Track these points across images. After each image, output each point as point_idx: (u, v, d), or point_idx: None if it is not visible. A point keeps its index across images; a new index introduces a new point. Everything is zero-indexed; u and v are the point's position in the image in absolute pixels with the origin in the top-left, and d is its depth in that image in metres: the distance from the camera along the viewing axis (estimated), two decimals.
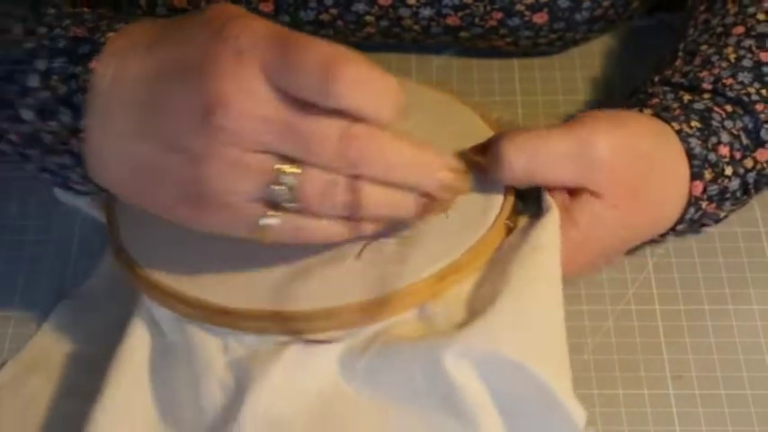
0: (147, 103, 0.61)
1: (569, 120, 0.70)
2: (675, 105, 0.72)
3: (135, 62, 0.62)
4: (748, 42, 0.75)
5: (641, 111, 0.71)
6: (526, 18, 0.83)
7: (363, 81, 0.59)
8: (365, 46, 0.88)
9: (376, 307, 0.65)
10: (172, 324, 0.68)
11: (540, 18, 0.84)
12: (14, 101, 0.64)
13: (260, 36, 0.59)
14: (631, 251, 0.76)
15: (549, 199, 0.68)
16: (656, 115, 0.71)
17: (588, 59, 0.88)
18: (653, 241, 0.75)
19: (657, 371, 0.71)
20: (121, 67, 0.62)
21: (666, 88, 0.74)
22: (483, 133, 0.73)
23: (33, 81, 0.63)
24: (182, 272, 0.68)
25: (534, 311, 0.65)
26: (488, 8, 0.83)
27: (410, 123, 0.74)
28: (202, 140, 0.59)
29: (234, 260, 0.68)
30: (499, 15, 0.83)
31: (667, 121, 0.70)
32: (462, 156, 0.69)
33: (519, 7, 0.83)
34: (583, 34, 0.86)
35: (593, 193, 0.68)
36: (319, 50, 0.58)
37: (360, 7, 0.83)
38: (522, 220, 0.69)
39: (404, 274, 0.66)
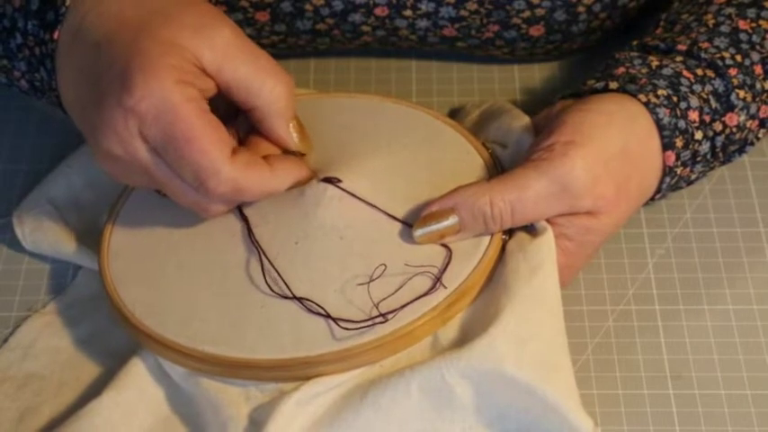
0: (82, 94, 0.68)
1: (541, 140, 0.70)
2: (643, 72, 0.72)
3: (78, 53, 0.68)
4: (729, 10, 0.75)
5: (607, 84, 0.72)
6: (523, 31, 0.83)
7: (229, 199, 0.68)
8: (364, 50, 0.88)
9: (392, 343, 0.66)
10: (184, 376, 0.67)
11: (537, 31, 0.84)
12: (12, 55, 0.72)
13: (152, 113, 0.64)
14: (632, 252, 0.76)
15: (542, 221, 0.69)
16: (622, 88, 0.71)
17: (589, 60, 0.88)
18: (652, 241, 0.76)
19: (657, 371, 0.71)
20: (72, 51, 0.69)
21: (635, 53, 0.74)
22: (468, 157, 0.74)
23: (19, 38, 0.71)
24: (186, 323, 0.67)
25: (537, 327, 0.65)
26: (485, 21, 0.83)
27: (395, 145, 0.74)
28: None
29: (238, 304, 0.68)
30: (495, 28, 0.83)
31: (633, 94, 0.70)
32: (425, 224, 0.69)
33: (515, 20, 0.83)
34: (579, 44, 0.86)
35: (580, 213, 0.69)
36: (194, 159, 0.65)
37: (356, 18, 0.83)
38: (516, 233, 0.70)
39: (413, 306, 0.66)
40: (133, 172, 0.67)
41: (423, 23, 0.83)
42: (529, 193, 0.68)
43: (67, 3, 0.69)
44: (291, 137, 0.69)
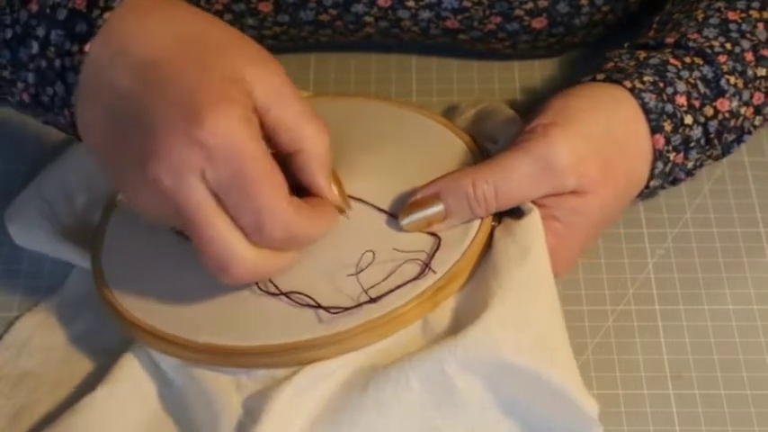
0: (119, 117, 0.65)
1: (524, 126, 0.70)
2: (631, 64, 0.72)
3: (120, 71, 0.64)
4: (718, 4, 0.76)
5: (595, 77, 0.72)
6: (525, 23, 0.83)
7: (285, 243, 0.64)
8: (365, 44, 0.88)
9: (381, 326, 0.66)
10: (176, 368, 0.67)
11: (539, 23, 0.84)
12: (19, 65, 0.67)
13: (223, 152, 0.61)
14: (632, 252, 0.76)
15: (528, 203, 0.69)
16: (608, 78, 0.71)
17: (589, 58, 0.88)
18: (652, 241, 0.76)
19: (657, 371, 0.71)
20: (109, 68, 0.64)
21: (624, 50, 0.74)
22: (459, 154, 0.74)
23: (34, 47, 0.66)
24: (180, 316, 0.67)
25: (532, 311, 0.65)
26: (487, 12, 0.83)
27: (387, 146, 0.74)
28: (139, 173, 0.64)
29: (229, 298, 0.68)
30: (498, 20, 0.83)
31: (619, 82, 0.71)
32: (410, 212, 0.70)
33: (518, 12, 0.83)
34: (582, 38, 0.86)
35: (566, 193, 0.69)
36: (260, 201, 0.62)
37: (359, 8, 0.83)
38: (506, 219, 0.70)
39: (402, 290, 0.66)
40: (167, 206, 0.63)
41: (425, 14, 0.83)
42: (512, 173, 0.68)
43: (105, 16, 0.65)
44: (330, 187, 0.67)
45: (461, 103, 0.83)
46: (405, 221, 0.69)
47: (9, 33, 0.67)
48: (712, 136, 0.72)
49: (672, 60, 0.72)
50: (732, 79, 0.72)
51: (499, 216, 0.70)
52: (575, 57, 0.89)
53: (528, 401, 0.64)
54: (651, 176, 0.72)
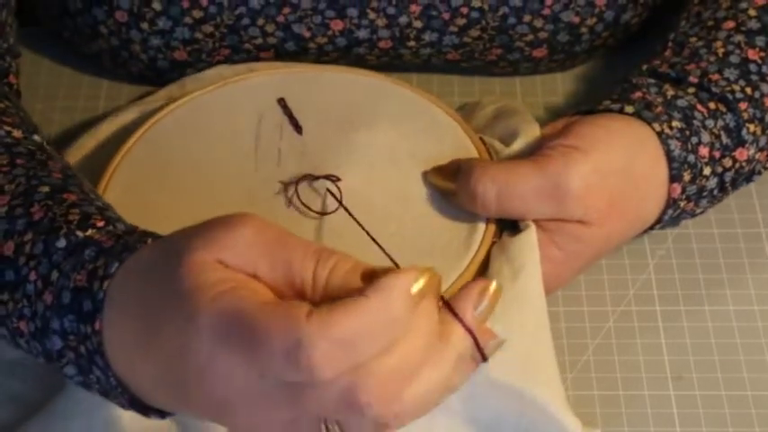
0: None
1: (544, 141, 0.70)
2: (659, 101, 0.71)
3: (128, 334, 0.56)
4: (738, 38, 0.75)
5: (623, 107, 0.71)
6: (526, 53, 0.83)
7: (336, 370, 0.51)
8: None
9: None
10: None
11: (540, 52, 0.83)
12: (55, 363, 0.60)
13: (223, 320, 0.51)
14: (632, 253, 0.76)
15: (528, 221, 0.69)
16: (638, 114, 0.71)
17: (591, 66, 0.88)
18: (652, 242, 0.76)
19: (658, 372, 0.71)
20: (120, 334, 0.57)
21: (651, 80, 0.74)
22: (465, 152, 0.74)
23: (57, 343, 0.59)
24: None
25: (520, 329, 0.65)
26: (488, 45, 0.83)
27: (394, 134, 0.74)
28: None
29: None
30: (499, 51, 0.83)
31: (648, 122, 0.70)
32: (435, 175, 0.71)
33: (518, 44, 0.82)
34: (582, 60, 0.86)
35: (571, 221, 0.69)
36: (270, 335, 0.50)
37: (360, 50, 0.83)
38: (505, 235, 0.70)
39: None
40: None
41: (426, 51, 0.84)
42: (519, 181, 0.68)
43: (105, 286, 0.57)
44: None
45: (483, 99, 0.83)
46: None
47: (32, 327, 0.60)
48: (727, 184, 0.72)
49: (698, 106, 0.71)
50: (752, 127, 0.72)
51: (500, 232, 0.70)
52: (577, 72, 0.88)
53: (512, 419, 0.64)
54: (659, 221, 0.72)
